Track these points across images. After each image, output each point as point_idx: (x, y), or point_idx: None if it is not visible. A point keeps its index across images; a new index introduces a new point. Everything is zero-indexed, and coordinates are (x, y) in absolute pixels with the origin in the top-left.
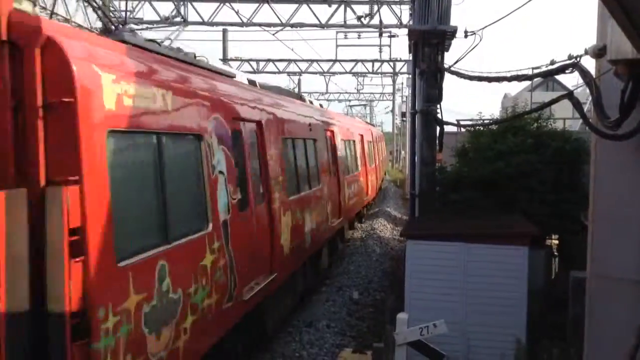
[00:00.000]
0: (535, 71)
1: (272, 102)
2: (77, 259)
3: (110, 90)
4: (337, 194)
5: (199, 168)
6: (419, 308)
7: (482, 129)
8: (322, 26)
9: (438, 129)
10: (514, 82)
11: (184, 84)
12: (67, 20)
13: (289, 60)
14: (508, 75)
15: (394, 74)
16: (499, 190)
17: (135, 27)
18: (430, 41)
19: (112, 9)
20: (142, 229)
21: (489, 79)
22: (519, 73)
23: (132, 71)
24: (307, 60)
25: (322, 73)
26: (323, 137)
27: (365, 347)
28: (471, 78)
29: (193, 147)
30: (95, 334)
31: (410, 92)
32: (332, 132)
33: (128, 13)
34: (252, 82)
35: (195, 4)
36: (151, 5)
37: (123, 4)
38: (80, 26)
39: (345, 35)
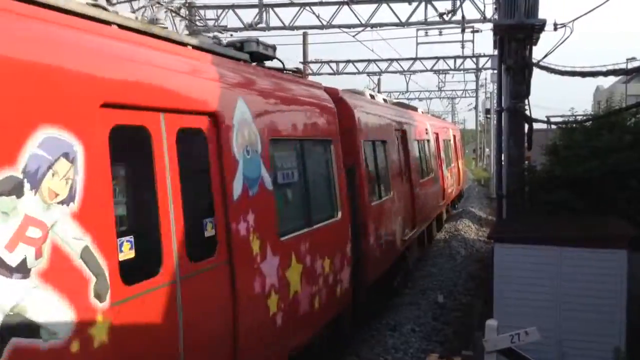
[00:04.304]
0: (631, 63)
1: None
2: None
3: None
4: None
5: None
6: (508, 314)
7: (574, 125)
8: (402, 25)
9: (526, 126)
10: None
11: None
12: None
13: (369, 61)
14: (604, 69)
15: (477, 70)
16: (594, 190)
17: (220, 35)
18: (517, 36)
19: (197, 17)
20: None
21: (583, 74)
22: (616, 67)
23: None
24: (386, 60)
25: (402, 72)
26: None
27: (453, 353)
28: (563, 73)
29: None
30: None
31: (496, 88)
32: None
33: (213, 21)
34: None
35: (276, 9)
36: (234, 12)
37: (209, 13)
38: None
39: (426, 33)
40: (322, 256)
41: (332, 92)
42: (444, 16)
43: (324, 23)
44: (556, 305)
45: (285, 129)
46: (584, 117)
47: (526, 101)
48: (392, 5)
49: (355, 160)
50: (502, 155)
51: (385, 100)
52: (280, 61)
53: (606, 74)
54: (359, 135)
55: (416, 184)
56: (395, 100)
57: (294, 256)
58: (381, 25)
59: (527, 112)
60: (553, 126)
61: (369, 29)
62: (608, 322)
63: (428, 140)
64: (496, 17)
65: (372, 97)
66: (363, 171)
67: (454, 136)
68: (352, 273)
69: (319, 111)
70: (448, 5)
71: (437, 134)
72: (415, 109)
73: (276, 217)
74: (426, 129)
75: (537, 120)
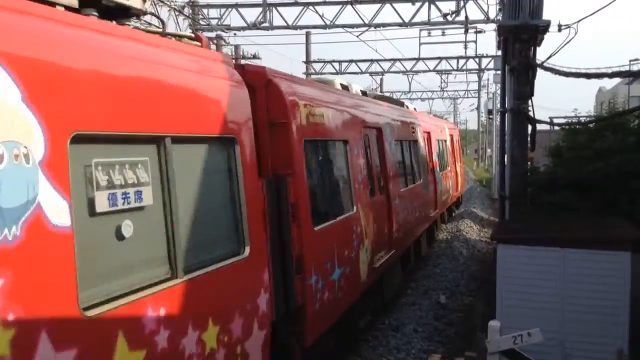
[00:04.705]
0: (635, 64)
1: None
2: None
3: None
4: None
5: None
6: (511, 315)
7: (578, 127)
8: (405, 25)
9: (530, 127)
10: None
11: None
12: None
13: (372, 60)
14: (609, 71)
15: (480, 71)
16: (597, 191)
17: (223, 34)
18: (521, 37)
19: (200, 16)
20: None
21: (588, 75)
22: (621, 69)
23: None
24: (389, 60)
25: (404, 72)
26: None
27: (455, 354)
28: (568, 75)
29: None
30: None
31: (500, 89)
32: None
33: (216, 20)
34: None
35: (280, 8)
36: (238, 12)
37: (212, 12)
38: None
39: (429, 33)
40: (200, 325)
41: (253, 72)
42: (448, 17)
43: (327, 23)
44: (559, 307)
45: (116, 119)
46: (587, 119)
47: (530, 102)
48: (396, 5)
49: (289, 167)
50: (505, 156)
51: (365, 93)
52: (160, 19)
53: (611, 75)
54: (297, 133)
55: (395, 195)
56: (378, 94)
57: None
58: (384, 25)
59: (531, 113)
60: (556, 127)
61: (372, 29)
62: (611, 323)
63: (416, 141)
64: (499, 17)
65: (345, 87)
66: (302, 182)
67: (451, 136)
68: (270, 337)
69: (212, 95)
70: (451, 6)
71: (428, 134)
72: (401, 103)
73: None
74: (413, 128)
75: (540, 122)
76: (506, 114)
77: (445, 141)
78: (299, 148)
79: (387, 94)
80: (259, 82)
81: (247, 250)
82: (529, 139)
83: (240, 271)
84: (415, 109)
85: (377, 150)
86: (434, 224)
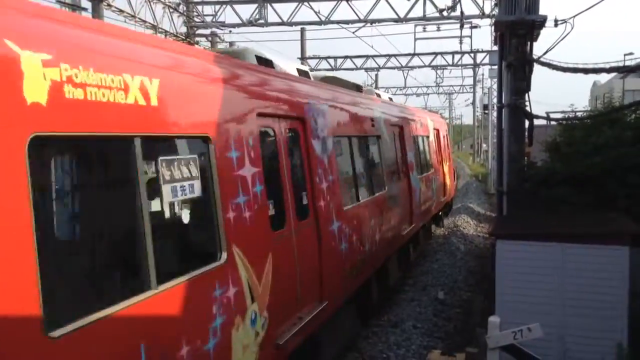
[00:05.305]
0: (628, 58)
1: None
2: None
3: None
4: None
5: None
6: (510, 311)
7: (575, 122)
8: (401, 20)
9: (527, 122)
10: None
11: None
12: (154, 27)
13: (367, 56)
14: (607, 66)
15: (475, 66)
16: (595, 186)
17: (218, 31)
18: (518, 32)
19: (195, 13)
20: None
21: (586, 71)
22: (619, 64)
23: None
24: (384, 56)
25: (400, 68)
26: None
27: (454, 349)
28: (565, 70)
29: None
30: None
31: (496, 85)
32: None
33: (210, 17)
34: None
35: (274, 4)
36: (233, 8)
37: (207, 9)
38: (166, 32)
39: (424, 28)
40: None
41: None
42: (443, 12)
43: (323, 19)
44: (558, 302)
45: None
46: (585, 115)
47: (526, 97)
48: (391, 0)
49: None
50: (503, 151)
51: (305, 73)
52: None
53: (609, 70)
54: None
55: (329, 218)
56: (328, 75)
57: None
58: (379, 21)
59: (528, 109)
60: (552, 122)
61: (367, 24)
62: (610, 318)
63: (378, 137)
64: (495, 12)
65: (265, 60)
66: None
67: (437, 131)
68: None
69: None
70: (447, 1)
71: (400, 128)
72: (360, 88)
73: None
74: (372, 121)
75: (537, 117)
76: (503, 110)
77: (428, 137)
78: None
79: (382, 90)
80: None
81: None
82: (526, 134)
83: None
84: (390, 98)
85: (295, 151)
86: (411, 242)
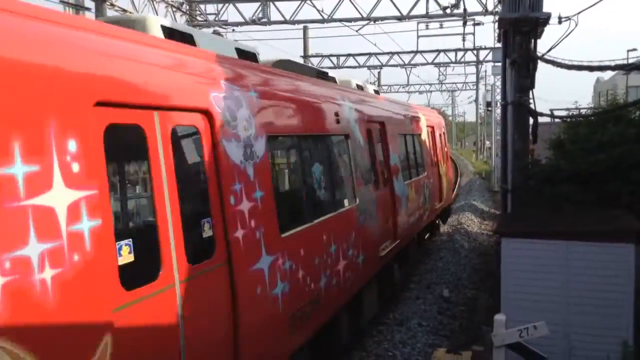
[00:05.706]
0: (632, 54)
1: None
2: None
3: None
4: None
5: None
6: (516, 309)
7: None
8: (403, 18)
9: (531, 119)
10: None
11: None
12: None
13: (369, 54)
14: (612, 64)
15: (478, 63)
16: (599, 183)
17: (220, 29)
18: (522, 29)
19: (198, 12)
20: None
21: (591, 68)
22: (624, 61)
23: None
24: (387, 53)
25: (402, 65)
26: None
27: (459, 347)
28: (570, 67)
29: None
30: None
31: (500, 82)
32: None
33: (213, 16)
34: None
35: (277, 3)
36: (235, 7)
37: (209, 7)
38: None
39: (427, 26)
40: None
41: None
42: (446, 9)
43: (325, 17)
44: (564, 300)
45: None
46: (589, 112)
47: (530, 94)
48: None
49: None
50: (507, 149)
51: (252, 55)
52: None
53: (614, 68)
54: None
55: (250, 257)
56: (282, 59)
57: None
58: (382, 18)
59: (532, 106)
60: (556, 120)
61: (370, 22)
62: (615, 315)
63: (346, 136)
64: (498, 9)
65: (181, 34)
66: None
67: (431, 128)
68: None
69: None
70: None
71: (382, 125)
72: (328, 77)
73: None
74: (337, 116)
75: (542, 114)
76: (507, 107)
77: (420, 135)
78: None
79: (384, 88)
80: None
81: None
82: (530, 131)
83: None
84: (377, 91)
85: (191, 159)
86: (396, 261)
